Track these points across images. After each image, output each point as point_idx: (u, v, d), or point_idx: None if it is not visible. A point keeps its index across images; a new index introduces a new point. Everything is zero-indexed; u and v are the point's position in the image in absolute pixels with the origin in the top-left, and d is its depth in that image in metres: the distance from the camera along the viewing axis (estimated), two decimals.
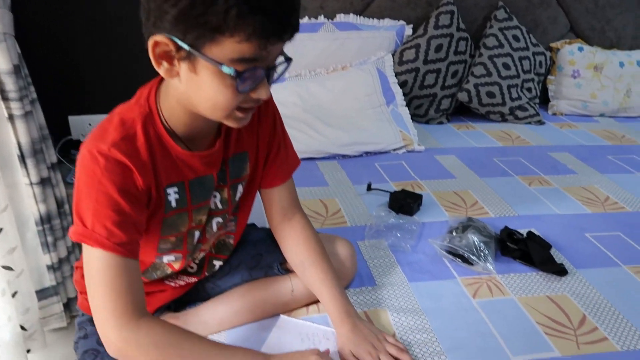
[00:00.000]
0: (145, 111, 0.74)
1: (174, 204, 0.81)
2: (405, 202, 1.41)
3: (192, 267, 0.99)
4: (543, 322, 1.02)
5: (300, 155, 1.01)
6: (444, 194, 1.54)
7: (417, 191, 1.52)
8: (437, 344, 0.95)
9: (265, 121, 0.91)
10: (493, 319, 1.02)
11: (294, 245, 0.98)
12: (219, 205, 0.90)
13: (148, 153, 0.73)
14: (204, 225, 0.89)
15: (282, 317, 1.00)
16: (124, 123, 0.73)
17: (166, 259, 0.89)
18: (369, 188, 1.55)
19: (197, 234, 0.89)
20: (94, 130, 0.73)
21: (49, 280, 1.52)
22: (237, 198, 0.92)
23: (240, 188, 0.92)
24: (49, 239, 1.47)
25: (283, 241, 0.99)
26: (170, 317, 0.98)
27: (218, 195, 0.88)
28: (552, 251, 1.24)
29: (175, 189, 0.80)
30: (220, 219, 0.91)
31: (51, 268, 1.50)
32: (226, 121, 0.74)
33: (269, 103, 0.91)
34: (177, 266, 0.92)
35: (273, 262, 1.03)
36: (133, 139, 0.72)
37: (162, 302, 0.98)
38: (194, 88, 0.69)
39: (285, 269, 1.03)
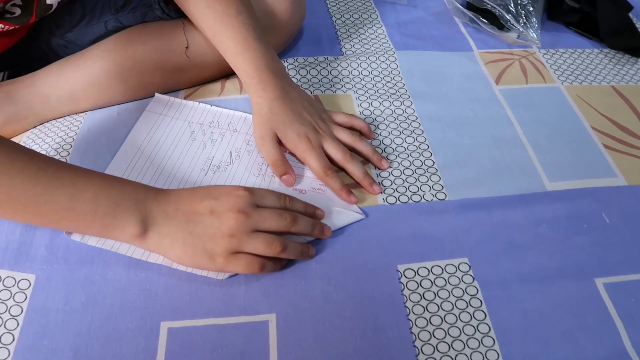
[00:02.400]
0: None
1: None
2: None
3: (11, 12, 0.56)
4: (603, 127, 0.63)
5: None
6: None
7: None
8: (428, 153, 0.57)
9: None
10: (523, 117, 0.63)
11: None
12: None
13: None
14: None
15: (158, 96, 0.61)
16: None
17: None
18: None
19: None
20: None
21: None
22: None
23: None
24: None
25: None
26: None
27: None
28: (632, 16, 0.79)
29: None
30: None
31: None
32: None
33: None
34: None
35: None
36: None
37: None
38: None
39: (175, 10, 0.60)
